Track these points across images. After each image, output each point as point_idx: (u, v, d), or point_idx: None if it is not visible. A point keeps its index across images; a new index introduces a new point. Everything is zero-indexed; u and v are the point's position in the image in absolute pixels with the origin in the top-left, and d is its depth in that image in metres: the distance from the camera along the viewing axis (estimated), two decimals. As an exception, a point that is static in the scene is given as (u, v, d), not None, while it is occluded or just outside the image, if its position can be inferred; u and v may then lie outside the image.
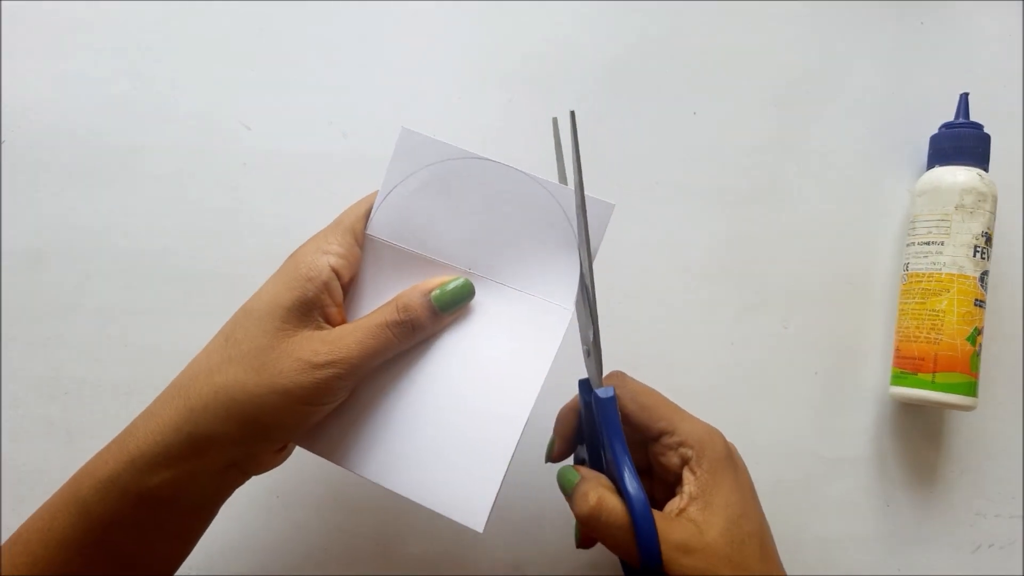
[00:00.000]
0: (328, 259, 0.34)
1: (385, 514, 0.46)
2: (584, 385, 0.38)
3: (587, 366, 0.37)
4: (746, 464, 0.37)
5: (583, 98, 0.49)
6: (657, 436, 0.37)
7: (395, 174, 0.36)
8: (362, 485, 0.46)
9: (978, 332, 0.45)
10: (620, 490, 0.34)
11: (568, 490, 0.36)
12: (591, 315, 0.36)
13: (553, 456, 0.40)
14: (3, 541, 0.45)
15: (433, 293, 0.35)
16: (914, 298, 0.46)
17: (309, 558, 0.46)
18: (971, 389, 0.45)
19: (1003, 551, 0.48)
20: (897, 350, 0.47)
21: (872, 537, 0.48)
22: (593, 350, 0.36)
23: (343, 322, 0.35)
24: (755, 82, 0.50)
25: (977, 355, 0.45)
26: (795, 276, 0.49)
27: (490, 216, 0.36)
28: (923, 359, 0.45)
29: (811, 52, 0.50)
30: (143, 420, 0.33)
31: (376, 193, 0.36)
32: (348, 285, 0.36)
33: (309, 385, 0.32)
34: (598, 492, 0.34)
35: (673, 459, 0.36)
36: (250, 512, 0.45)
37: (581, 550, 0.40)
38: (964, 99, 0.47)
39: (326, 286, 0.34)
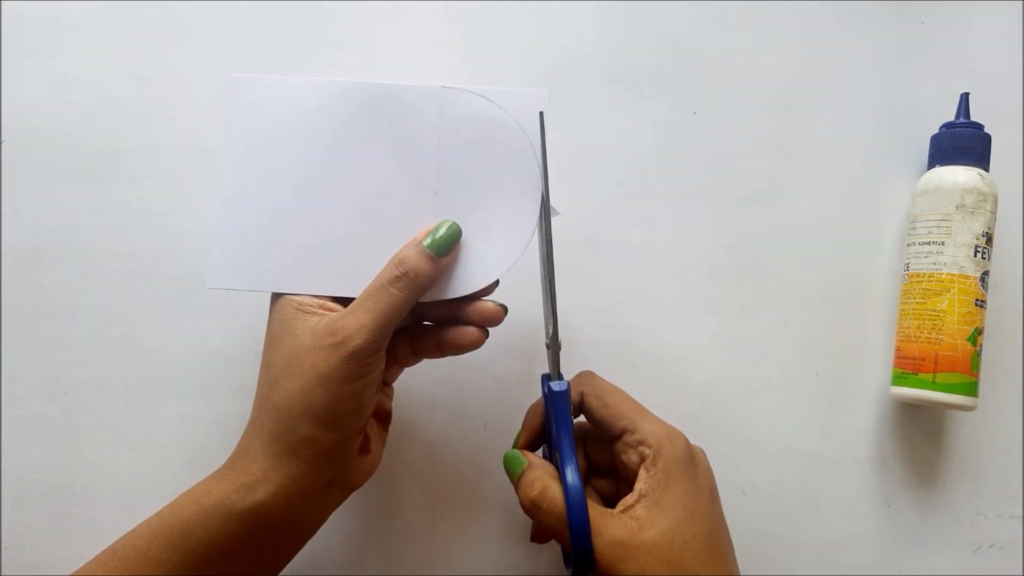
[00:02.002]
0: None
1: (385, 514, 0.46)
2: (545, 378, 0.38)
3: (548, 359, 0.38)
4: (711, 468, 0.38)
5: (583, 98, 0.49)
6: (619, 434, 0.37)
7: (239, 129, 0.38)
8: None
9: (979, 332, 0.45)
10: (561, 480, 0.35)
11: (514, 476, 0.37)
12: (552, 309, 0.37)
13: (517, 447, 0.41)
14: (3, 542, 0.45)
15: (425, 242, 0.36)
16: (915, 298, 0.46)
17: (309, 558, 0.46)
18: (972, 389, 0.45)
19: (1004, 551, 0.48)
20: (898, 350, 0.47)
21: (872, 537, 0.48)
22: (552, 344, 0.37)
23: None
24: (755, 82, 0.49)
25: (978, 355, 0.45)
26: (795, 276, 0.49)
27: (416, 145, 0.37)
28: (924, 359, 0.45)
29: (811, 52, 0.50)
30: (238, 456, 0.36)
31: None
32: None
33: (340, 364, 0.33)
34: (543, 481, 0.35)
35: (632, 457, 0.37)
36: (250, 512, 0.45)
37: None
38: (964, 99, 0.47)
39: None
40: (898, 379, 0.46)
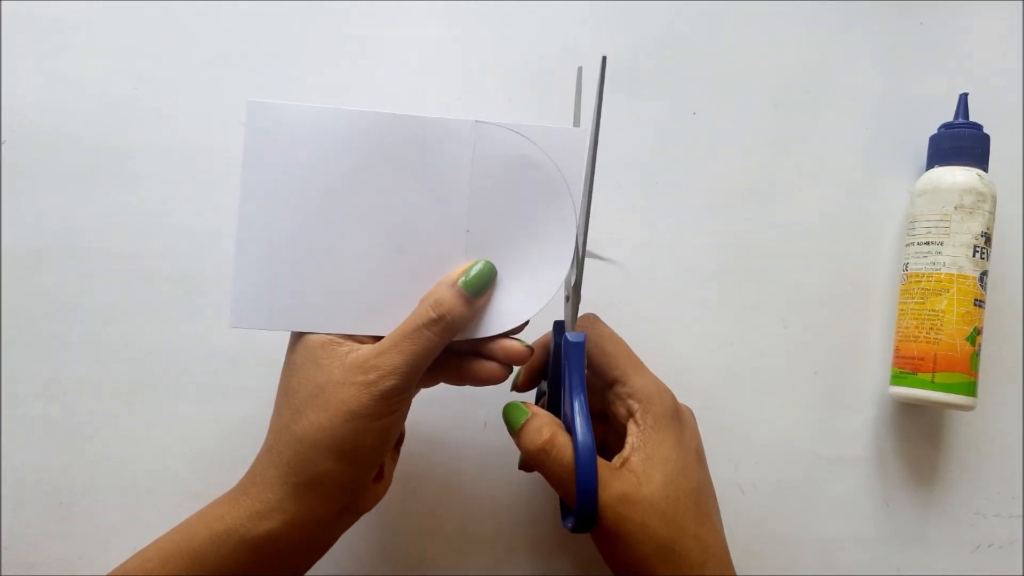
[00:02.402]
0: None
1: (385, 514, 0.46)
2: (558, 326, 0.38)
3: (564, 310, 0.38)
4: (698, 428, 0.38)
5: (583, 98, 0.49)
6: (611, 384, 0.38)
7: (258, 160, 0.35)
8: (362, 485, 0.46)
9: (978, 332, 0.45)
10: (570, 430, 0.35)
11: (515, 425, 0.36)
12: (578, 262, 0.37)
13: (517, 385, 0.41)
14: (3, 542, 0.45)
15: (460, 281, 0.35)
16: (914, 298, 0.46)
17: (309, 558, 0.46)
18: (971, 389, 0.45)
19: (1003, 551, 0.48)
20: (897, 350, 0.47)
21: (872, 537, 0.48)
22: (572, 295, 0.37)
23: (367, 341, 0.36)
24: (755, 82, 0.50)
25: (977, 355, 0.45)
26: (795, 276, 0.49)
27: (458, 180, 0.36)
28: (923, 359, 0.45)
29: (811, 52, 0.50)
30: (252, 482, 0.35)
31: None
32: None
33: (371, 402, 0.33)
34: (551, 429, 0.35)
35: (620, 409, 0.37)
36: (250, 512, 0.45)
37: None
38: (964, 99, 0.47)
39: None
40: (897, 379, 0.47)
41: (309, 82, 0.48)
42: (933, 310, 0.45)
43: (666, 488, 0.34)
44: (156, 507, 0.45)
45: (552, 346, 0.39)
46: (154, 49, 0.47)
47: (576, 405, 0.35)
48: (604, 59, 0.35)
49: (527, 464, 0.40)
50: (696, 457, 0.37)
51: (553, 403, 0.39)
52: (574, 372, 0.36)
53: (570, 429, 0.35)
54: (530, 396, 0.44)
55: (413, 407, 0.47)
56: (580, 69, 0.37)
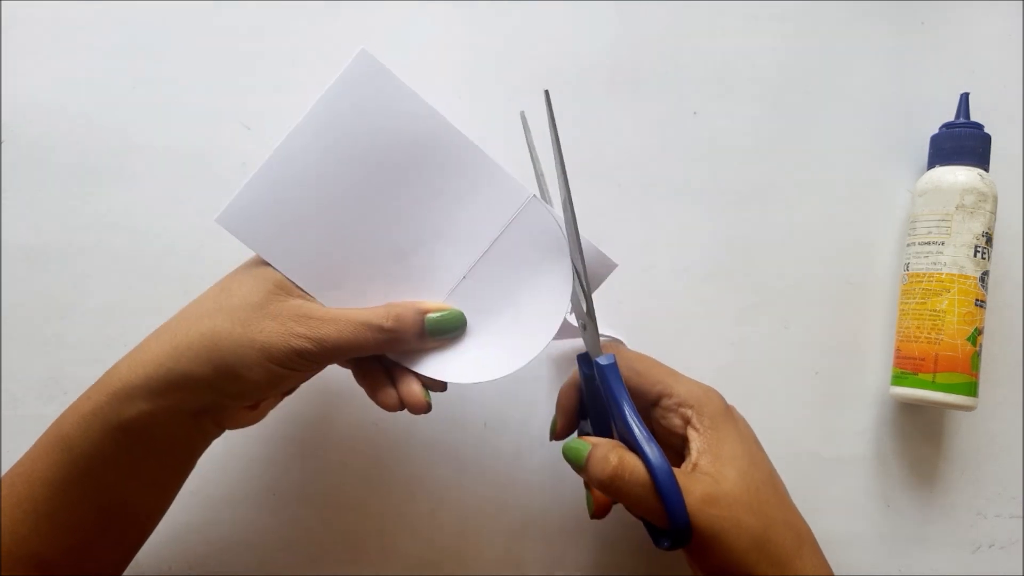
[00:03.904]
0: None
1: (385, 514, 0.46)
2: (583, 359, 0.38)
3: (584, 339, 0.37)
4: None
5: (583, 98, 0.49)
6: (656, 399, 0.37)
7: (337, 102, 0.35)
8: (361, 484, 0.46)
9: (978, 332, 0.45)
10: (636, 451, 0.34)
11: (579, 460, 0.36)
12: (583, 288, 0.37)
13: (557, 433, 0.40)
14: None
15: (429, 316, 0.36)
16: (914, 298, 0.46)
17: (309, 558, 0.46)
18: (971, 389, 0.45)
19: (1003, 551, 0.48)
20: (897, 350, 0.47)
21: (872, 537, 0.48)
22: (588, 322, 0.37)
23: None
24: (755, 82, 0.49)
25: (977, 355, 0.45)
26: (795, 276, 0.49)
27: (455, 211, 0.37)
28: (923, 359, 0.45)
29: (811, 52, 0.50)
30: (128, 358, 0.35)
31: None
32: None
33: (282, 349, 0.33)
34: (617, 453, 0.34)
35: (675, 420, 0.37)
36: (250, 512, 0.45)
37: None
38: (964, 99, 0.47)
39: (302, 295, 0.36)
40: (898, 379, 0.46)
41: (309, 81, 0.48)
42: (934, 310, 0.45)
43: (743, 481, 0.34)
44: (156, 507, 0.45)
45: (583, 381, 0.39)
46: (154, 49, 0.47)
47: (633, 423, 0.34)
48: (547, 92, 0.35)
49: (600, 506, 0.39)
50: (759, 446, 0.37)
51: (599, 430, 0.39)
52: (618, 393, 0.35)
53: (633, 448, 0.34)
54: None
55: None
56: (523, 113, 0.37)
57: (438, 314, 0.36)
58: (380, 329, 0.34)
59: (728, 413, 0.37)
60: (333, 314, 0.34)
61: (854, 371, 0.49)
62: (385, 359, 0.37)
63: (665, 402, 0.37)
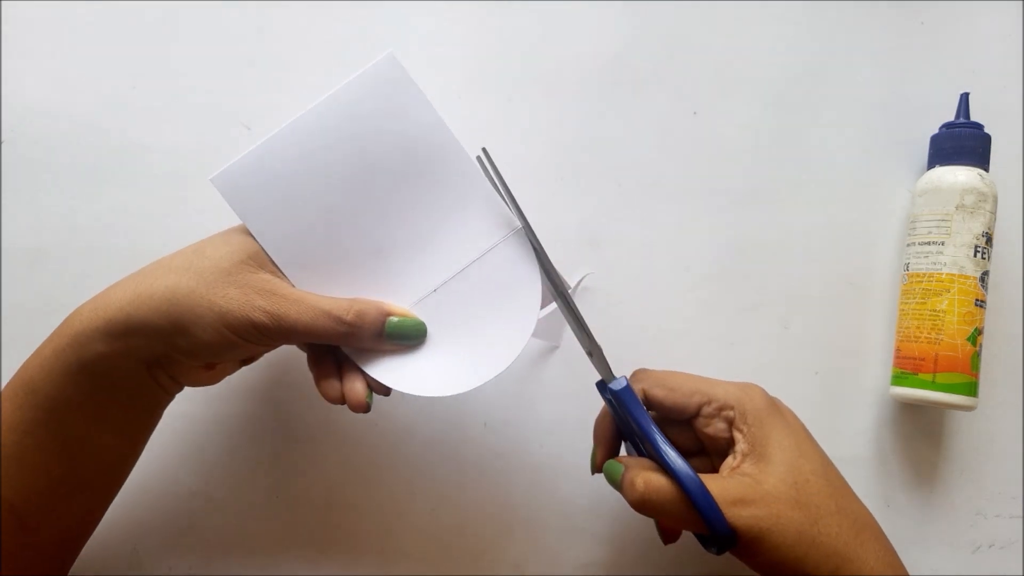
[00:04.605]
0: None
1: (385, 514, 0.46)
2: (601, 386, 0.38)
3: (595, 366, 0.37)
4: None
5: (583, 98, 0.49)
6: (696, 410, 0.37)
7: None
8: (361, 484, 0.46)
9: (978, 332, 0.45)
10: (664, 466, 0.34)
11: (617, 483, 0.36)
12: (576, 319, 0.37)
13: (597, 465, 0.40)
14: None
15: (390, 319, 0.36)
16: (914, 298, 0.46)
17: (309, 558, 0.46)
18: (971, 389, 0.45)
19: (1003, 551, 0.48)
20: (897, 350, 0.47)
21: (872, 537, 0.48)
22: (594, 348, 0.37)
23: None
24: (755, 82, 0.49)
25: (977, 355, 0.45)
26: (795, 276, 0.49)
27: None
28: (923, 359, 0.45)
29: (811, 52, 0.50)
30: (91, 302, 0.35)
31: None
32: None
33: (239, 318, 0.33)
34: (642, 475, 0.34)
35: (719, 425, 0.36)
36: (250, 512, 0.45)
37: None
38: (964, 99, 0.47)
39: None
40: (898, 379, 0.46)
41: (309, 81, 0.48)
42: (934, 310, 0.45)
43: (791, 475, 0.34)
44: (154, 507, 0.45)
45: (609, 406, 0.39)
46: (154, 49, 0.47)
47: (653, 437, 0.35)
48: (484, 151, 0.36)
49: (666, 534, 0.39)
50: (807, 435, 0.36)
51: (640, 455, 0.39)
52: (636, 412, 0.36)
53: (660, 464, 0.34)
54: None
55: (413, 406, 0.47)
56: (484, 150, 0.38)
57: (400, 319, 0.36)
58: (340, 321, 0.35)
59: (772, 406, 0.36)
60: (297, 295, 0.35)
61: (854, 371, 0.49)
62: (340, 352, 0.37)
63: (706, 410, 0.37)
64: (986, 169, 0.46)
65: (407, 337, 0.37)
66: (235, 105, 0.47)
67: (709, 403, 0.37)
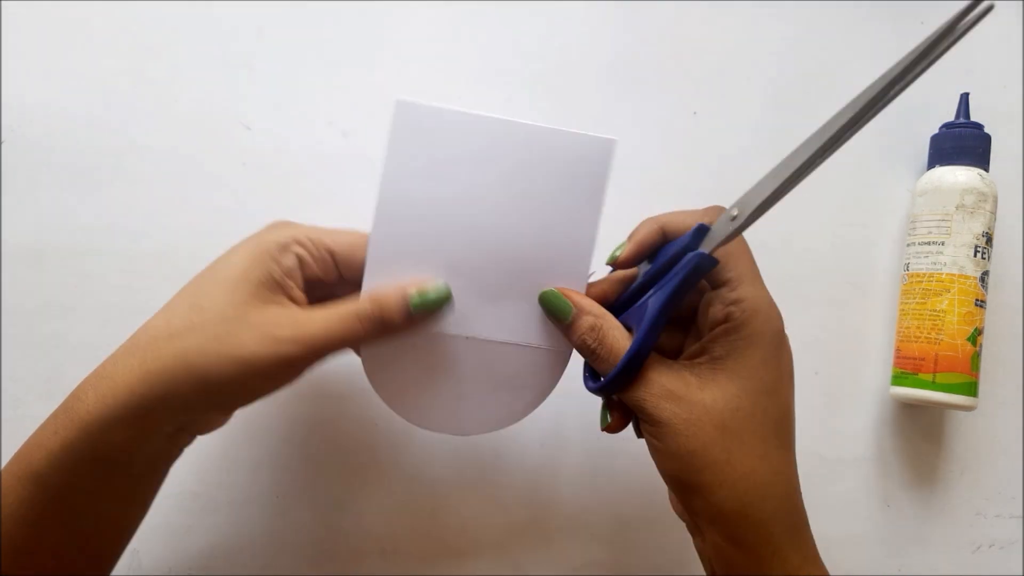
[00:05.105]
0: (296, 248, 0.34)
1: (385, 514, 0.46)
2: (699, 232, 0.33)
3: (718, 229, 0.33)
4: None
5: (583, 98, 0.49)
6: (717, 285, 0.34)
7: (398, 154, 0.34)
8: (361, 484, 0.46)
9: (978, 332, 0.45)
10: (630, 328, 0.34)
11: (564, 316, 0.35)
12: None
13: (618, 257, 0.36)
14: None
15: (412, 295, 0.34)
16: (915, 298, 0.46)
17: (309, 558, 0.46)
18: (971, 389, 0.45)
19: (1003, 551, 0.48)
20: (897, 350, 0.47)
21: (872, 537, 0.48)
22: (747, 219, 0.33)
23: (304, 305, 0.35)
24: (755, 82, 0.49)
25: (977, 355, 0.45)
26: (795, 276, 0.49)
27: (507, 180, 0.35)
28: (924, 359, 0.45)
29: (811, 52, 0.50)
30: (92, 384, 0.32)
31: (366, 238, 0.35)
32: (308, 282, 0.35)
33: (269, 358, 0.31)
34: (604, 326, 0.34)
35: (718, 313, 0.33)
36: (250, 512, 0.45)
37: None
38: (964, 99, 0.47)
39: (289, 272, 0.34)
40: (898, 379, 0.46)
41: (309, 81, 0.48)
42: (934, 310, 0.45)
43: (739, 400, 0.32)
44: (155, 507, 0.45)
45: (674, 242, 0.35)
46: (154, 49, 0.47)
47: (657, 309, 0.32)
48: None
49: (616, 424, 0.36)
50: (790, 382, 0.34)
51: (640, 288, 0.36)
52: (683, 284, 0.32)
53: (638, 321, 0.33)
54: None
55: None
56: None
57: (419, 290, 0.34)
58: (367, 317, 0.33)
59: (779, 338, 0.34)
60: (318, 310, 0.33)
61: (854, 371, 0.49)
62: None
63: (724, 292, 0.33)
64: (986, 169, 0.46)
65: (435, 306, 0.34)
66: (235, 105, 0.47)
67: (732, 290, 0.33)
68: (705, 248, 0.32)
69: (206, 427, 0.36)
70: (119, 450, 0.32)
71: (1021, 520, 0.49)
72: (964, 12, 0.26)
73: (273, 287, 0.33)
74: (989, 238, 0.45)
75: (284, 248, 0.34)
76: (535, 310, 0.36)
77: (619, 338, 0.34)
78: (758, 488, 0.31)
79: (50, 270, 0.46)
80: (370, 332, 0.33)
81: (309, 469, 0.46)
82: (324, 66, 0.48)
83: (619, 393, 0.33)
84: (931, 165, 0.48)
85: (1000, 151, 0.47)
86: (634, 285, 0.37)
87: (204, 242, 0.46)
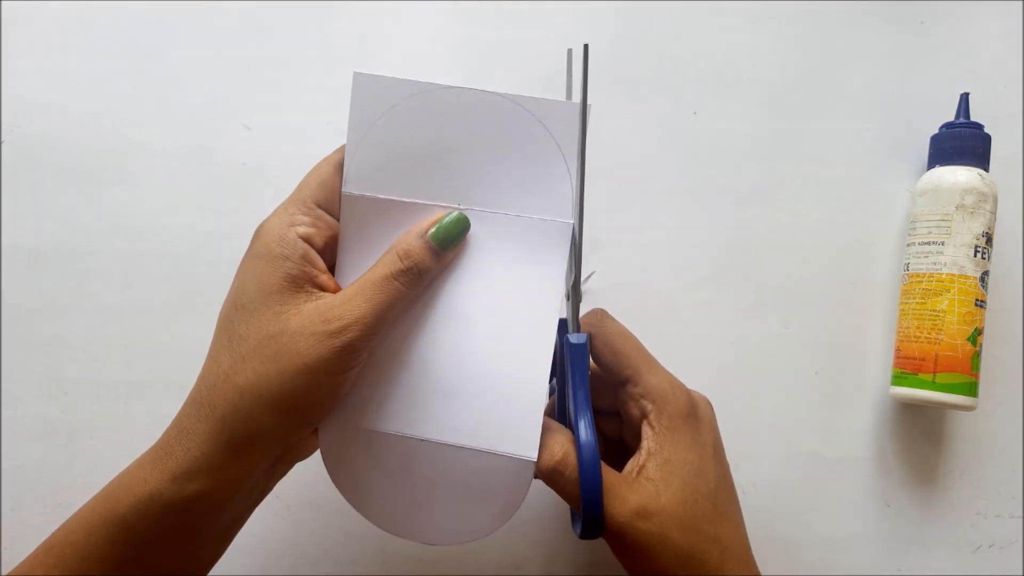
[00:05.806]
0: (295, 230, 0.33)
1: (385, 514, 0.46)
2: (562, 326, 0.37)
3: (565, 308, 0.36)
4: (715, 419, 0.37)
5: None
6: (623, 383, 0.36)
7: (358, 124, 0.34)
8: (362, 485, 0.46)
9: (978, 332, 0.45)
10: (573, 432, 0.34)
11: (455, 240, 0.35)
12: (575, 258, 0.35)
13: None
14: (3, 542, 0.45)
15: (430, 232, 0.33)
16: (914, 298, 0.46)
17: (309, 558, 0.46)
18: (971, 389, 0.45)
19: (1003, 551, 0.48)
20: (897, 350, 0.47)
21: (872, 537, 0.48)
22: (572, 293, 0.36)
23: (336, 288, 0.34)
24: (755, 82, 0.49)
25: (977, 355, 0.45)
26: (795, 276, 0.49)
27: (468, 145, 0.35)
28: (923, 359, 0.45)
29: (811, 52, 0.50)
30: (176, 438, 0.32)
31: (340, 149, 0.35)
32: (326, 250, 0.34)
33: (330, 355, 0.31)
34: (564, 447, 0.34)
35: (634, 411, 0.36)
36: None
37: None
38: (964, 99, 0.47)
39: (304, 258, 0.33)
40: (898, 379, 0.46)
41: (309, 81, 0.48)
42: (934, 310, 0.45)
43: (683, 492, 0.33)
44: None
45: (558, 344, 0.38)
46: (154, 49, 0.47)
47: (582, 412, 0.34)
48: (586, 47, 0.35)
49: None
50: (713, 454, 0.35)
51: (561, 401, 0.39)
52: (578, 376, 0.35)
53: (573, 428, 0.34)
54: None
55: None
56: (570, 51, 0.37)
57: (437, 225, 0.34)
58: (400, 272, 0.32)
59: (691, 415, 0.35)
60: (353, 289, 0.32)
61: (854, 371, 0.49)
62: None
63: (630, 389, 0.36)
64: (986, 169, 0.46)
65: (455, 235, 0.34)
66: (235, 105, 0.47)
67: (635, 385, 0.36)
68: (570, 333, 0.36)
69: (302, 451, 0.36)
70: (212, 496, 0.32)
71: (1021, 520, 0.49)
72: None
73: (296, 284, 0.32)
74: (989, 238, 0.45)
75: (283, 240, 0.33)
76: (493, 408, 0.35)
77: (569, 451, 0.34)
78: (710, 569, 0.33)
79: (50, 270, 0.46)
80: (410, 285, 0.33)
81: (309, 470, 0.46)
82: (324, 66, 0.48)
83: (600, 533, 0.34)
84: (931, 165, 0.48)
85: (1000, 151, 0.47)
86: (555, 397, 0.39)
87: (204, 242, 0.46)
